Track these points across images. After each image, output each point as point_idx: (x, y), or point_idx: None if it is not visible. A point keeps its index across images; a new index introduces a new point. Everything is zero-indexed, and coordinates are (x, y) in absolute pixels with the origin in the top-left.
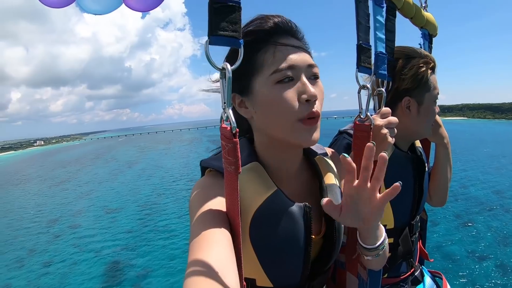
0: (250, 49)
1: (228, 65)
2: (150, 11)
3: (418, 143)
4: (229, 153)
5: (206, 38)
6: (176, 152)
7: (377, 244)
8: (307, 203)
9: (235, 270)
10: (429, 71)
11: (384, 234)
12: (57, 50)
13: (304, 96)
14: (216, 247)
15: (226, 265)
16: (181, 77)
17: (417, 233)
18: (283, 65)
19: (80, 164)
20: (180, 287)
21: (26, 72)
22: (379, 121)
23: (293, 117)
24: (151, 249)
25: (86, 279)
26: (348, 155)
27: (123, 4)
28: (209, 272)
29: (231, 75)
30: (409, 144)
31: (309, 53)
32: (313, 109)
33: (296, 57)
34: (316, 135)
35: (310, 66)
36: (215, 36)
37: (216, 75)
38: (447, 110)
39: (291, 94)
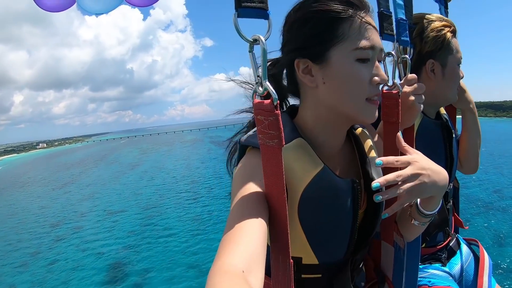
0: (334, 17)
1: (262, 37)
2: (151, 11)
3: (443, 110)
4: (270, 127)
5: (207, 39)
6: (178, 154)
7: (436, 210)
8: (354, 179)
9: (262, 265)
10: (450, 34)
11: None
12: (60, 53)
13: (377, 79)
14: (246, 240)
15: (253, 261)
16: (183, 79)
17: (451, 201)
18: (367, 44)
19: (83, 167)
20: (178, 286)
21: (29, 75)
22: (406, 88)
23: (364, 96)
24: (152, 249)
25: (89, 279)
26: (377, 124)
27: (124, 1)
28: (234, 269)
29: (266, 47)
30: (436, 111)
31: None
32: (379, 91)
33: (376, 39)
34: (377, 113)
35: (381, 50)
36: (243, 8)
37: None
38: None
39: (367, 75)
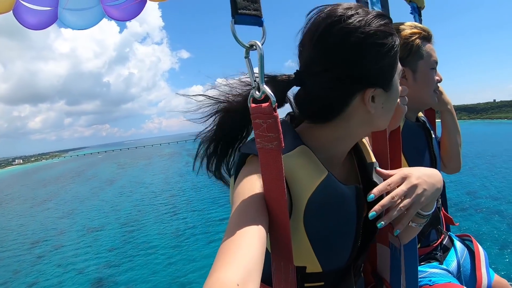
0: (397, 44)
1: (258, 43)
2: (127, 23)
3: (420, 114)
4: (269, 129)
5: (183, 51)
6: (156, 168)
7: (433, 210)
8: (358, 185)
9: (257, 279)
10: (419, 40)
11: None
12: (36, 67)
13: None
14: (243, 253)
15: (248, 274)
16: (160, 91)
17: (439, 200)
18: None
19: (60, 183)
20: None
21: (4, 89)
22: None
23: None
24: (133, 265)
25: None
26: None
27: (106, 16)
28: (229, 283)
29: (263, 53)
30: (415, 115)
31: None
32: None
33: None
34: None
35: None
36: (239, 15)
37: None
38: None
39: None
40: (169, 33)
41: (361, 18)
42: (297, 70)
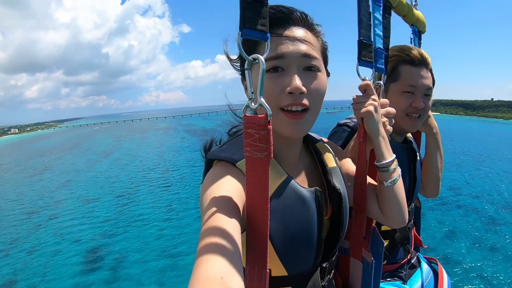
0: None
1: (261, 57)
2: None
3: (409, 134)
4: (261, 140)
5: (185, 25)
6: (151, 142)
7: (388, 160)
8: (317, 188)
9: (240, 271)
10: (395, 63)
11: (392, 154)
12: (35, 36)
13: (288, 89)
14: (223, 249)
15: (231, 268)
16: (159, 64)
17: (412, 220)
18: (272, 55)
19: (56, 154)
20: (151, 272)
21: (1, 57)
22: (380, 110)
23: (275, 106)
24: (126, 235)
25: (68, 264)
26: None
27: None
28: (213, 276)
29: (265, 67)
30: (403, 136)
31: (310, 43)
32: (297, 101)
33: (288, 47)
34: (300, 128)
35: (305, 56)
36: (247, 29)
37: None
38: None
39: (275, 85)
40: (171, 6)
41: None
42: None
